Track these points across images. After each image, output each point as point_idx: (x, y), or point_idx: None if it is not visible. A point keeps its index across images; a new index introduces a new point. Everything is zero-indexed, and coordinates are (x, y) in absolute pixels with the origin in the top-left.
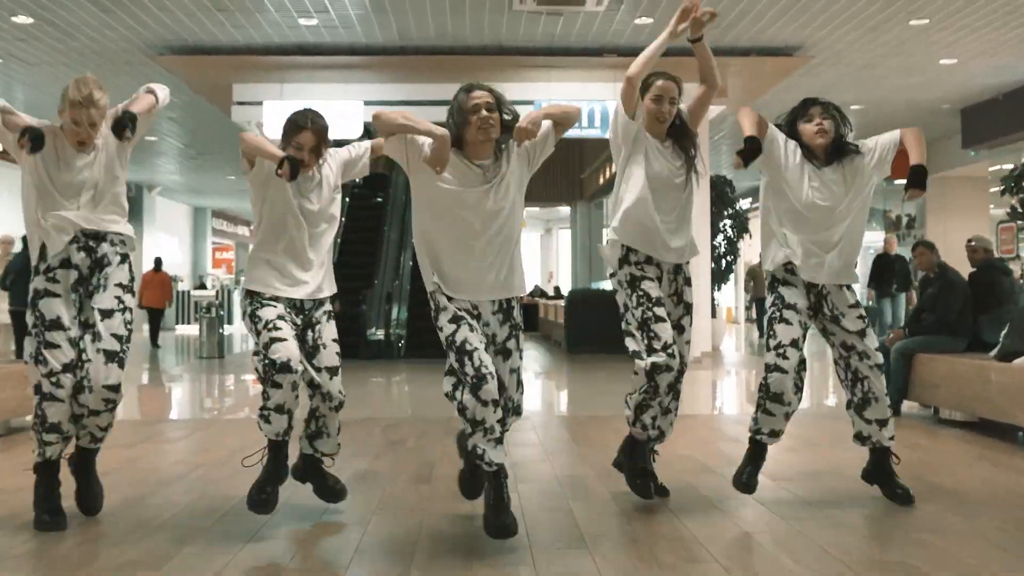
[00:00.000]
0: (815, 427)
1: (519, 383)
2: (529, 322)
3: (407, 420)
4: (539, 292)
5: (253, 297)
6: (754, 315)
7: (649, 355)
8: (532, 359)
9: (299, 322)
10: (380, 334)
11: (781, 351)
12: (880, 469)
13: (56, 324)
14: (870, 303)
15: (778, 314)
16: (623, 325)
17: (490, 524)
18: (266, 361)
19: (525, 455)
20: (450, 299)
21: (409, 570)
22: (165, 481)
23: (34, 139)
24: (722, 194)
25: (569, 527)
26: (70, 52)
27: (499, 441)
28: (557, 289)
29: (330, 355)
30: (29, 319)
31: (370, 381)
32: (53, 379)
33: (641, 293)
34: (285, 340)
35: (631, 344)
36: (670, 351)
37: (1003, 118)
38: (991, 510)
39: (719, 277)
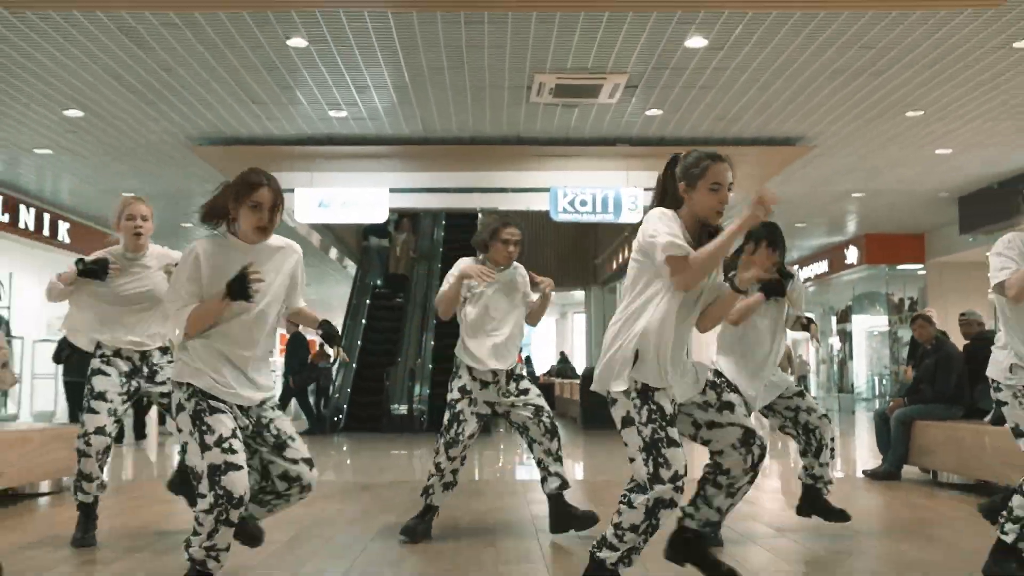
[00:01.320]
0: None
1: None
2: (546, 400)
3: None
4: (556, 371)
5: None
6: None
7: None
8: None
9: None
10: (403, 409)
11: None
12: (820, 502)
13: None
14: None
15: None
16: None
17: None
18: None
19: (542, 512)
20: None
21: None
22: None
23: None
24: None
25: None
26: (116, 144)
27: None
28: (573, 370)
29: (302, 446)
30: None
31: (391, 453)
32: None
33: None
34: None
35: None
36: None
37: (998, 205)
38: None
39: None
